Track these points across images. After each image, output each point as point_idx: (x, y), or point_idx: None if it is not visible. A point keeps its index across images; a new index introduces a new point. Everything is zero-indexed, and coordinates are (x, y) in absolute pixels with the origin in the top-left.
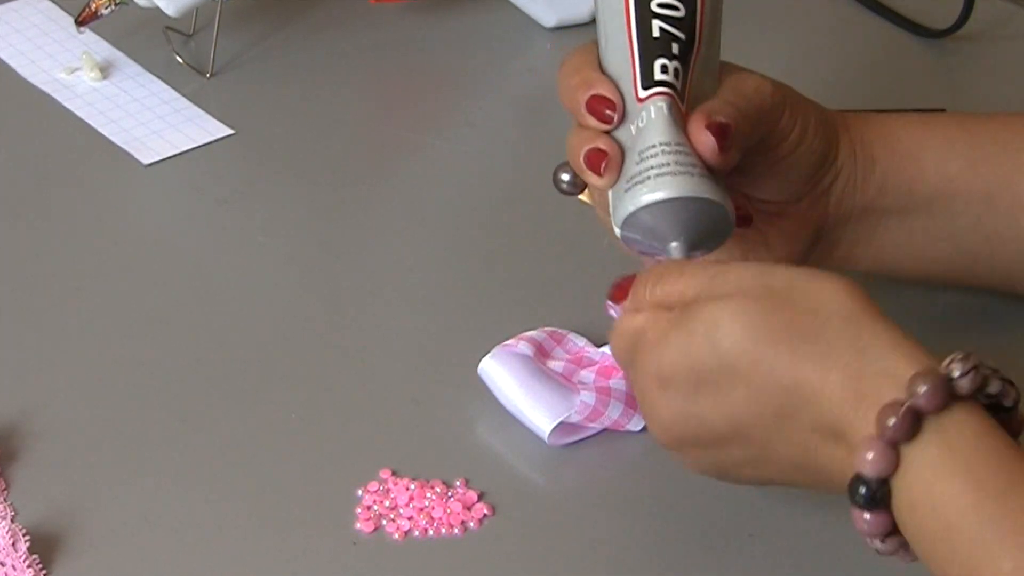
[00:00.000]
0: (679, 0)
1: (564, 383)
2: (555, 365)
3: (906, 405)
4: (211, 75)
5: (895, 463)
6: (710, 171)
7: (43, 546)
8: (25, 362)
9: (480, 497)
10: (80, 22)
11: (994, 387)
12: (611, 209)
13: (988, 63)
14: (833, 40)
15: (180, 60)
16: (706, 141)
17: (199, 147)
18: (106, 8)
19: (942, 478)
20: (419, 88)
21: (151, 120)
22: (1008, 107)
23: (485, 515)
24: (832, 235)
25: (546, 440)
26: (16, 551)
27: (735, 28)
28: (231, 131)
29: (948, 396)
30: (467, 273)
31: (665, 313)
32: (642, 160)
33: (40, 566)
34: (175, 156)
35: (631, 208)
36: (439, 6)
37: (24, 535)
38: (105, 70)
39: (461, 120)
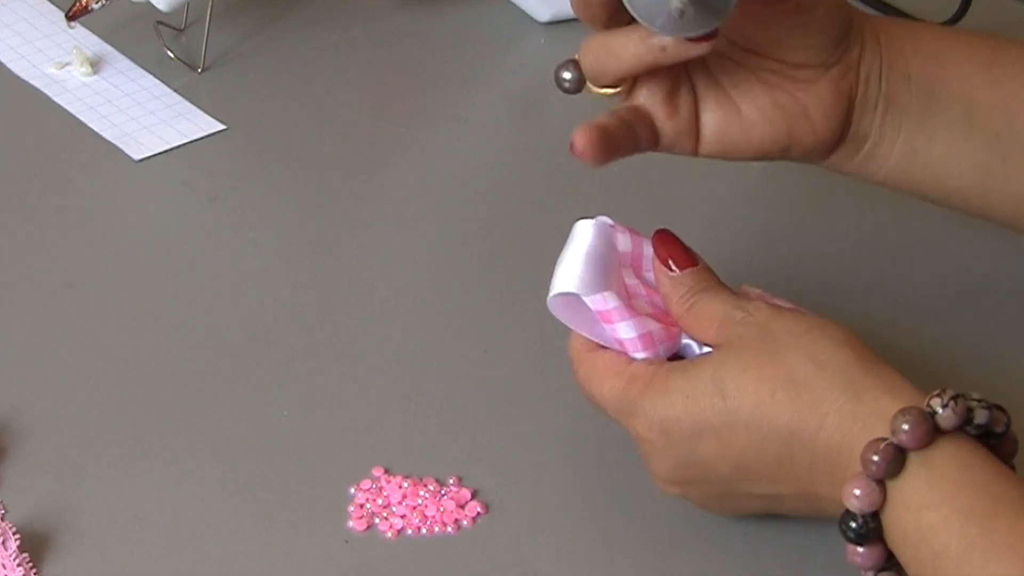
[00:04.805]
0: None
1: (619, 285)
2: (629, 279)
3: (887, 442)
4: (203, 70)
5: (881, 498)
6: None
7: (33, 544)
8: (15, 359)
9: (473, 495)
10: (70, 16)
11: (981, 417)
12: None
13: None
14: None
15: (171, 55)
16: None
17: (190, 142)
18: (96, 3)
19: (928, 508)
20: (412, 83)
21: (142, 115)
22: None
23: (478, 513)
24: (860, 124)
25: (548, 300)
26: (6, 549)
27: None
28: (223, 126)
29: (931, 431)
30: (460, 269)
31: (665, 363)
32: None
33: (30, 564)
34: (166, 151)
35: None
36: (433, 1)
37: (14, 533)
38: (96, 65)
39: (455, 115)
